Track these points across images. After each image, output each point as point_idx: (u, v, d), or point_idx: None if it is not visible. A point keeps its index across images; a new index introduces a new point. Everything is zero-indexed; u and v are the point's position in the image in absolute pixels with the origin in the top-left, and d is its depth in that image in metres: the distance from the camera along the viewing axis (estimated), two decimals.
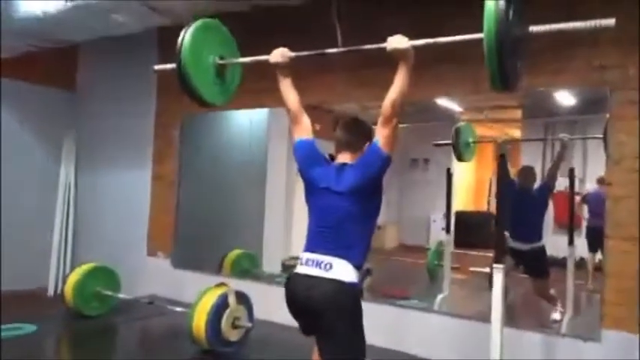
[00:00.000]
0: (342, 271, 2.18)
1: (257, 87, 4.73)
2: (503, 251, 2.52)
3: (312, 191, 2.38)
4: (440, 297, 4.24)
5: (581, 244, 3.89)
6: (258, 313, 3.86)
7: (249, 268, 5.11)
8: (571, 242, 3.82)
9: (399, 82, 2.20)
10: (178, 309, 4.08)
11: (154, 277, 5.30)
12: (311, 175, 2.38)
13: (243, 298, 3.75)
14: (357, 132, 2.40)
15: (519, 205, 4.12)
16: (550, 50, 3.41)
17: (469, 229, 5.22)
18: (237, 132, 5.65)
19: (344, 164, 2.34)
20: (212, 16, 4.45)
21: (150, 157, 5.53)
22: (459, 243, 5.48)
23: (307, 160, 2.42)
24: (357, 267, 2.23)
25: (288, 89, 2.49)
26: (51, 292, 5.53)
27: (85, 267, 4.52)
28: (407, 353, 3.79)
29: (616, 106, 3.17)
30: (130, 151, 5.65)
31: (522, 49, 2.10)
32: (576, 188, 4.19)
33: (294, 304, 2.28)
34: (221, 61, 2.63)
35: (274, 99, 4.57)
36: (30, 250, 5.60)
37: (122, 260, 5.25)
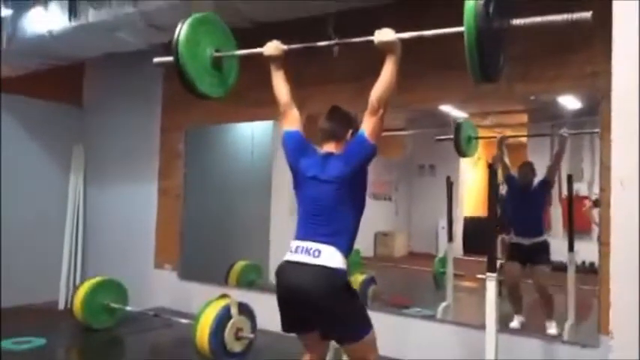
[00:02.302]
0: (330, 257, 2.24)
1: (259, 99, 4.83)
2: (495, 260, 2.55)
3: (299, 181, 2.44)
4: (443, 305, 4.24)
5: (593, 249, 3.88)
6: (264, 323, 3.90)
7: (254, 279, 5.15)
8: (571, 249, 3.83)
9: (386, 74, 2.26)
10: (184, 321, 4.13)
11: (161, 289, 5.37)
12: (299, 165, 2.44)
13: (245, 309, 3.80)
14: (341, 121, 2.45)
15: (520, 200, 4.19)
16: (546, 58, 3.45)
17: (478, 235, 5.22)
18: (242, 144, 5.71)
19: (330, 153, 2.40)
20: None
21: (156, 171, 5.61)
22: (468, 250, 5.49)
23: (296, 150, 2.48)
24: (345, 254, 2.29)
25: (280, 81, 2.56)
26: (61, 305, 5.61)
27: (93, 280, 4.60)
28: None
29: (607, 112, 3.18)
30: (136, 165, 5.74)
31: (503, 42, 2.16)
32: (585, 192, 4.21)
33: (285, 291, 2.33)
34: (217, 54, 2.68)
35: (276, 111, 4.66)
36: (41, 264, 5.68)
37: (130, 273, 5.32)
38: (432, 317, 4.11)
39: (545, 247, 4.07)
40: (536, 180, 4.19)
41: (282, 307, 2.38)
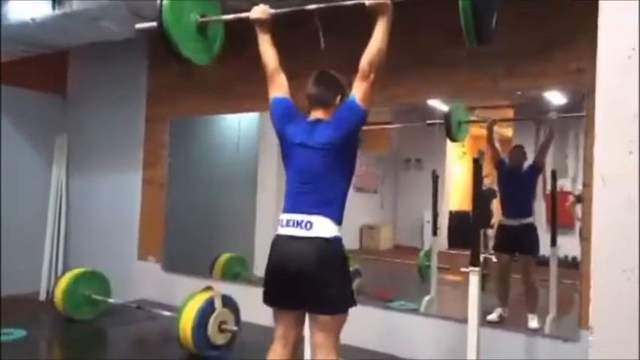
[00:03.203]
0: (323, 227, 2.22)
1: (245, 91, 4.81)
2: (479, 254, 2.56)
3: (287, 148, 2.40)
4: (426, 299, 4.26)
5: (575, 243, 3.90)
6: (249, 316, 3.89)
7: (239, 271, 5.13)
8: (554, 243, 3.87)
9: (378, 37, 2.22)
10: (167, 313, 4.11)
11: (145, 281, 5.34)
12: (286, 131, 2.40)
13: (229, 302, 3.78)
14: (329, 85, 2.42)
15: (510, 183, 4.26)
16: (531, 54, 3.47)
17: (463, 229, 5.24)
18: (228, 135, 5.68)
19: (318, 120, 2.36)
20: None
21: (140, 161, 5.56)
22: (453, 243, 5.51)
23: (283, 117, 2.44)
24: (338, 221, 2.27)
25: (267, 46, 2.52)
26: (43, 296, 5.56)
27: (75, 272, 4.56)
28: (390, 355, 3.83)
29: (591, 108, 3.21)
30: (120, 155, 5.68)
31: (495, 3, 2.19)
32: (569, 188, 4.24)
33: (277, 264, 2.30)
34: (202, 19, 2.67)
35: (261, 103, 4.62)
36: (23, 255, 5.62)
37: (113, 264, 5.28)
38: (415, 311, 4.13)
39: (533, 230, 4.12)
40: (526, 164, 4.24)
41: (272, 279, 2.35)
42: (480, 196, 2.70)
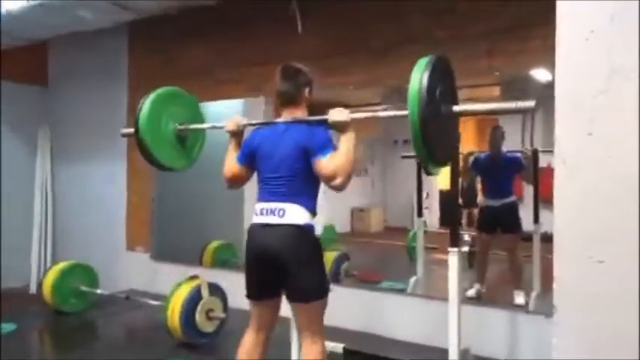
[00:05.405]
0: (296, 214, 2.27)
1: (227, 77, 4.78)
2: (459, 235, 2.59)
3: (259, 149, 2.43)
4: (413, 279, 4.30)
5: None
6: (238, 302, 3.90)
7: (228, 258, 5.14)
8: (536, 220, 3.90)
9: (343, 150, 2.23)
10: (155, 302, 4.13)
11: (134, 271, 5.35)
12: (258, 143, 2.44)
13: (216, 290, 3.80)
14: (295, 80, 2.42)
15: (489, 170, 4.31)
16: (508, 31, 3.46)
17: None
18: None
19: (290, 122, 2.38)
20: (178, 11, 4.46)
21: (125, 150, 5.52)
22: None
23: (253, 142, 2.48)
24: (310, 210, 2.31)
25: (232, 157, 2.56)
26: (33, 289, 5.56)
27: (62, 264, 4.58)
28: (376, 335, 3.88)
29: None
30: (105, 145, 5.62)
31: (450, 125, 2.21)
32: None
33: (254, 253, 2.35)
34: (181, 127, 2.83)
35: (245, 90, 4.59)
36: (12, 249, 5.59)
37: (102, 255, 5.30)
38: (402, 291, 4.17)
39: (514, 209, 4.19)
40: (506, 150, 4.26)
41: (251, 269, 2.39)
42: (458, 177, 2.72)
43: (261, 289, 2.40)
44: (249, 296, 2.43)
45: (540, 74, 3.91)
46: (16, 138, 5.81)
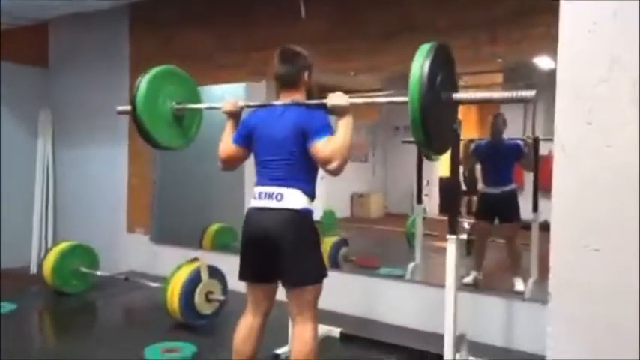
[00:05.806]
0: (293, 199, 2.28)
1: (228, 62, 4.76)
2: (457, 222, 2.59)
3: (256, 130, 2.42)
4: (411, 265, 4.32)
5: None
6: (237, 286, 3.93)
7: (228, 241, 5.15)
8: (535, 209, 3.91)
9: (340, 135, 2.24)
10: (155, 284, 4.16)
11: (134, 253, 5.38)
12: (254, 123, 2.44)
13: (216, 272, 3.83)
14: (294, 64, 2.40)
15: (490, 157, 4.30)
16: (511, 19, 3.44)
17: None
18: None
19: (288, 105, 2.37)
20: None
21: (126, 132, 5.52)
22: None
23: (249, 123, 2.48)
24: (309, 194, 2.32)
25: (229, 139, 2.53)
26: (34, 269, 5.60)
27: (63, 245, 4.60)
28: (373, 320, 3.91)
29: None
30: (106, 126, 5.60)
31: (449, 112, 2.20)
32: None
33: (251, 236, 2.35)
34: (178, 106, 2.82)
35: (245, 73, 4.55)
36: (13, 229, 5.62)
37: (102, 237, 5.32)
38: (400, 277, 4.20)
39: (513, 197, 4.21)
40: (509, 140, 4.25)
41: (247, 252, 2.39)
42: (458, 164, 2.71)
43: (256, 272, 2.40)
44: (242, 278, 2.43)
45: (544, 62, 3.90)
46: (17, 119, 5.80)
